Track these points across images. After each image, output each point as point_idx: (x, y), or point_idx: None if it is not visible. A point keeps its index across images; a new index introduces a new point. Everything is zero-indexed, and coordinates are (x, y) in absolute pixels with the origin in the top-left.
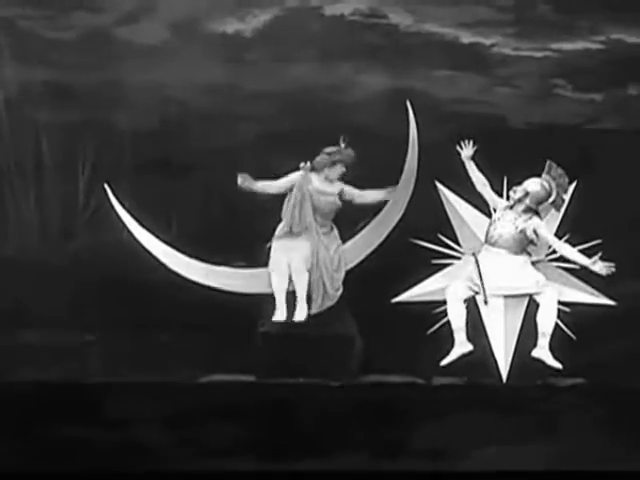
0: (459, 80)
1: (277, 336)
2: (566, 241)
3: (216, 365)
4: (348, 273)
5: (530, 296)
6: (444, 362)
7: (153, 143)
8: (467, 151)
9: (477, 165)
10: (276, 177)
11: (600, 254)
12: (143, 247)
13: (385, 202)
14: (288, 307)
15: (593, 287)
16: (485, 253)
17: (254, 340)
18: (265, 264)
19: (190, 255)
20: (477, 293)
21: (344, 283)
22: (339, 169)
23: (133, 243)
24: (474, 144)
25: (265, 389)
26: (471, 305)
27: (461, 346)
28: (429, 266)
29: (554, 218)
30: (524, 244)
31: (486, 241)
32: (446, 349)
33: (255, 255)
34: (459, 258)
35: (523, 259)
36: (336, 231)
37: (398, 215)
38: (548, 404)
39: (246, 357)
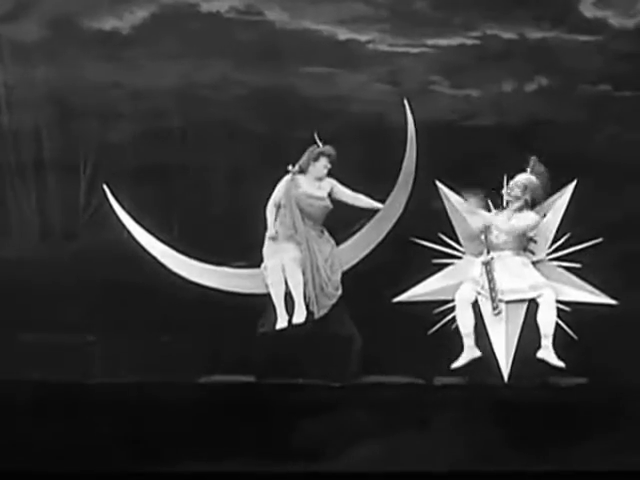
0: (336, 77)
1: (277, 336)
2: (566, 241)
3: (216, 365)
4: (347, 273)
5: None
6: (453, 366)
7: (36, 142)
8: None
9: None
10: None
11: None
12: (143, 248)
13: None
14: (287, 310)
15: (594, 286)
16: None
17: (254, 340)
18: None
19: (190, 255)
20: (486, 298)
21: (343, 283)
22: (324, 162)
23: (133, 243)
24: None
25: (265, 389)
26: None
27: (470, 351)
28: (429, 266)
29: (554, 218)
30: (524, 243)
31: (487, 248)
32: (446, 349)
33: (254, 255)
34: (460, 258)
35: (522, 260)
36: (327, 233)
37: (397, 214)
38: (549, 404)
39: (246, 357)
